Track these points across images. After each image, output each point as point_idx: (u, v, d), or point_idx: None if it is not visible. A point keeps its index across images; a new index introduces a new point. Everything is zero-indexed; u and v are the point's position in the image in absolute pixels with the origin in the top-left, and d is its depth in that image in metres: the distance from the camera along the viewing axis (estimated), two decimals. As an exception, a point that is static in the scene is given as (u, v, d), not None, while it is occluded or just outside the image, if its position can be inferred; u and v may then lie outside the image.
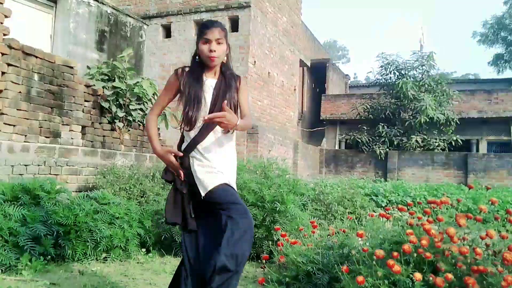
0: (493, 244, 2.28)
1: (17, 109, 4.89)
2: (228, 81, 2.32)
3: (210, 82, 2.30)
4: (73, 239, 3.65)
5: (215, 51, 2.21)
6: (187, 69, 2.31)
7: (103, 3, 8.12)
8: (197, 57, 2.32)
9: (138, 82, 6.62)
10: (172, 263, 3.97)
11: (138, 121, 6.84)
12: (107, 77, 6.48)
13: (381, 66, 16.68)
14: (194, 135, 2.25)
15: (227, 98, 2.25)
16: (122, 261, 3.87)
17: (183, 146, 2.31)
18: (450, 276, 2.10)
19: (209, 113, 2.19)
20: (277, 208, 4.05)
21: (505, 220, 2.67)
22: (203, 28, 2.25)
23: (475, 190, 7.04)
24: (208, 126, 2.23)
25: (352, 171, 15.39)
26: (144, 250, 4.16)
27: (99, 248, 3.72)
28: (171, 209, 2.29)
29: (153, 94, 7.10)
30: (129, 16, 8.70)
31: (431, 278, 2.13)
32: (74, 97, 5.66)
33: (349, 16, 72.02)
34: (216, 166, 2.24)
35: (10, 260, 3.19)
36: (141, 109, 6.81)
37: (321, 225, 4.21)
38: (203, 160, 2.24)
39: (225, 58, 2.34)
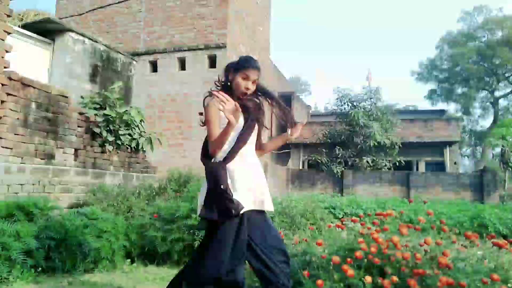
0: (430, 250, 2.32)
1: (15, 134, 4.70)
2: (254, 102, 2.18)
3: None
4: (63, 252, 3.47)
5: (250, 89, 2.10)
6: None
7: (96, 42, 8.03)
8: (228, 83, 2.15)
9: (126, 110, 6.52)
10: (154, 272, 3.83)
11: (126, 144, 6.68)
12: (99, 106, 6.37)
13: (337, 98, 17.05)
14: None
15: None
16: (108, 271, 3.70)
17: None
18: (395, 278, 2.12)
19: (242, 136, 2.05)
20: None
21: (440, 229, 2.73)
22: (247, 64, 2.09)
23: (415, 204, 7.16)
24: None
25: (314, 187, 15.47)
26: (129, 260, 4.00)
27: (87, 259, 3.55)
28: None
29: (140, 121, 6.98)
30: (120, 53, 8.64)
31: (379, 281, 2.15)
32: (68, 123, 5.50)
33: (309, 57, 74.09)
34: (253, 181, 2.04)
35: (1, 272, 2.99)
36: (129, 134, 6.67)
37: (286, 235, 4.18)
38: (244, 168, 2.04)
39: None
